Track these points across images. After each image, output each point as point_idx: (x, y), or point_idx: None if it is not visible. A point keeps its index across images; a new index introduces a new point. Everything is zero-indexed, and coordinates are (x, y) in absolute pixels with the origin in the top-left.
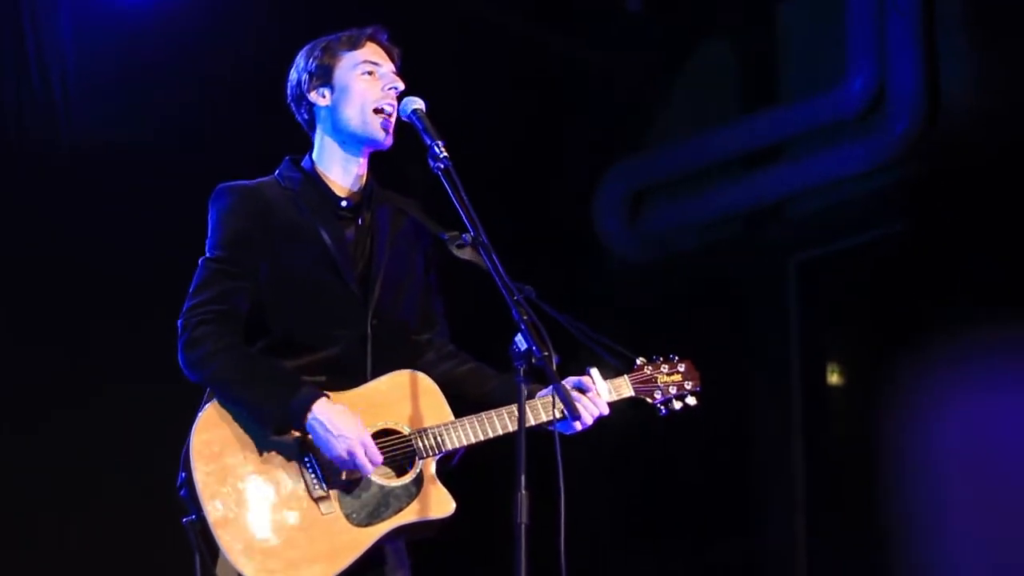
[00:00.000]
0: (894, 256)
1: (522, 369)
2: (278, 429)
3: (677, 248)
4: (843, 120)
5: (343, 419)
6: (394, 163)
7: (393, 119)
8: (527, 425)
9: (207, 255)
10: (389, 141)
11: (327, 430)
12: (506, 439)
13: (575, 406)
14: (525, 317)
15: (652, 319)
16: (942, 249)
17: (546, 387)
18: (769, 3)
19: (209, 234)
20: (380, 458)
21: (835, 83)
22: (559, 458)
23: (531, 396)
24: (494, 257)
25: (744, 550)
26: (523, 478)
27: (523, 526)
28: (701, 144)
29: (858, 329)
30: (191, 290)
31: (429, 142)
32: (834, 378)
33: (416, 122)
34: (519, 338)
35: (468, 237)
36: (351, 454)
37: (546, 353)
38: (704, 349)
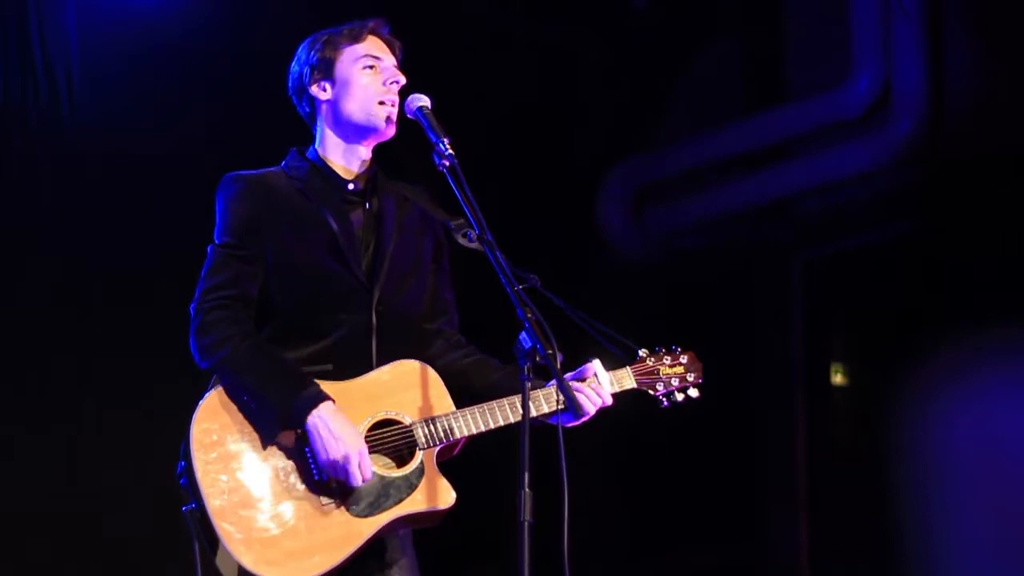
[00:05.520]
0: (899, 255)
1: (526, 367)
2: (281, 424)
3: (681, 247)
4: (848, 119)
5: (346, 426)
6: (396, 160)
7: (395, 113)
8: (528, 416)
9: (216, 241)
10: (392, 131)
11: (329, 431)
12: (510, 432)
13: (578, 404)
14: (530, 315)
15: (656, 318)
16: (947, 248)
17: (548, 382)
18: (774, 1)
19: (217, 222)
20: (370, 474)
21: (840, 82)
22: (563, 453)
23: (533, 389)
24: (498, 255)
25: (747, 551)
26: (527, 476)
27: (526, 524)
28: (706, 143)
29: (862, 329)
30: (203, 275)
31: (435, 139)
32: (838, 378)
33: (422, 119)
34: (523, 335)
35: (473, 234)
36: (347, 459)
37: (550, 351)
38: (708, 348)
